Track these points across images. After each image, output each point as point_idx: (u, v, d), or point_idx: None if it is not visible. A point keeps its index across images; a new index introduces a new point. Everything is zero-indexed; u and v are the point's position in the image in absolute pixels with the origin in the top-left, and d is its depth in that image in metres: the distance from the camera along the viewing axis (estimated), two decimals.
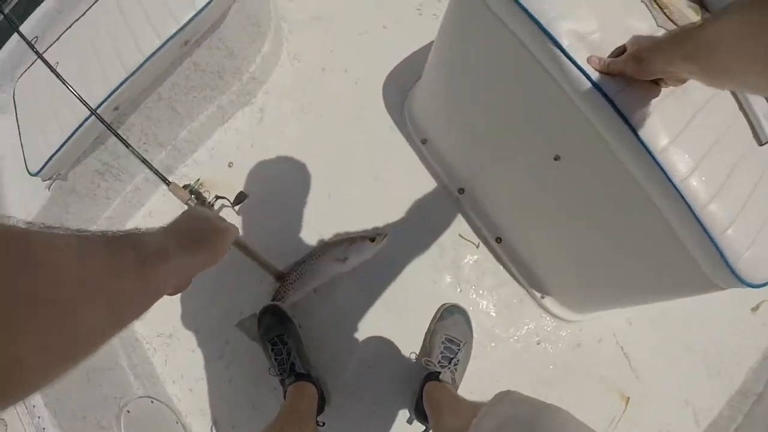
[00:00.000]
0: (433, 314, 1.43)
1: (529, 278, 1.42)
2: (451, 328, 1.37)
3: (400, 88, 1.61)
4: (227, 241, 0.67)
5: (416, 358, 1.42)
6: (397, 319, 1.46)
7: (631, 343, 1.45)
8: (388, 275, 1.49)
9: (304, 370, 1.34)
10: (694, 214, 0.73)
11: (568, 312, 1.40)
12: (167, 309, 1.61)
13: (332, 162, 1.59)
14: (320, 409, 1.34)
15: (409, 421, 1.38)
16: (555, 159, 0.98)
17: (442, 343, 1.33)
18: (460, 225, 1.48)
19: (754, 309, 1.48)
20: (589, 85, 0.74)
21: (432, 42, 1.26)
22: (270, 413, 1.24)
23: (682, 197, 0.73)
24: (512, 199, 1.34)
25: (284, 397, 1.31)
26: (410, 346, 1.43)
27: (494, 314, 1.44)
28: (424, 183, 1.53)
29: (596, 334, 1.44)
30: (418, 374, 1.35)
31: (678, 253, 0.82)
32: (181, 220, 0.61)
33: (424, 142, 1.52)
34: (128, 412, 1.37)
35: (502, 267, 1.46)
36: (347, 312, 1.49)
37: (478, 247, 1.46)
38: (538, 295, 1.41)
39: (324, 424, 1.31)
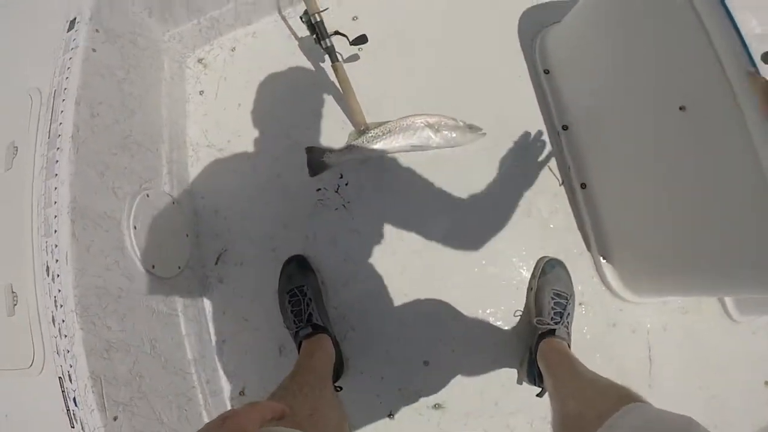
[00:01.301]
0: (532, 271, 1.47)
1: (598, 236, 1.47)
2: (555, 282, 1.38)
3: (536, 22, 1.69)
4: None
5: (519, 317, 1.45)
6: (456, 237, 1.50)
7: (658, 350, 1.46)
8: (458, 181, 1.54)
9: (321, 322, 1.33)
10: None
11: (619, 284, 1.43)
12: (231, 120, 1.65)
13: (447, 52, 1.67)
14: (337, 375, 1.33)
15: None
16: (680, 109, 1.06)
17: (552, 298, 1.34)
18: (550, 158, 1.54)
19: None
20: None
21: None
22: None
23: None
24: (615, 147, 1.39)
25: (298, 352, 1.30)
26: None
27: (550, 256, 1.47)
28: (529, 109, 1.59)
29: (632, 324, 1.45)
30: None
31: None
32: None
33: (546, 72, 1.60)
34: (147, 196, 1.36)
35: (574, 213, 1.50)
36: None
37: (560, 185, 1.51)
38: (600, 256, 1.46)
39: (341, 388, 1.29)
